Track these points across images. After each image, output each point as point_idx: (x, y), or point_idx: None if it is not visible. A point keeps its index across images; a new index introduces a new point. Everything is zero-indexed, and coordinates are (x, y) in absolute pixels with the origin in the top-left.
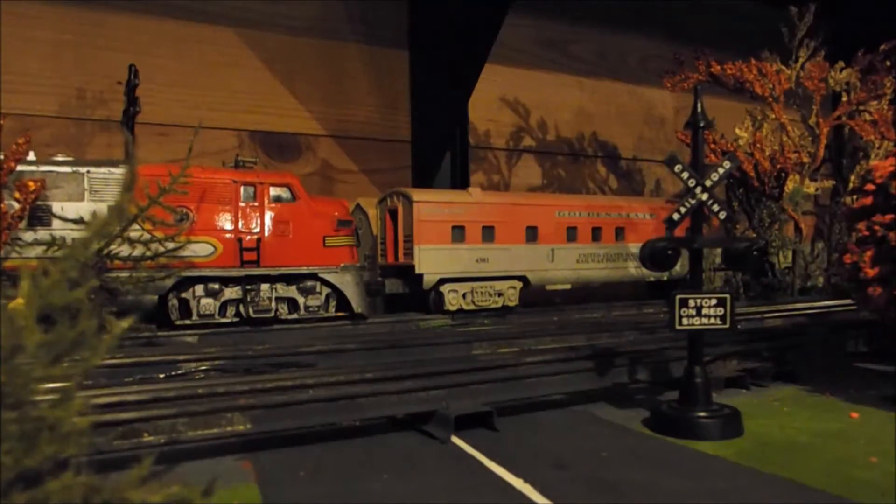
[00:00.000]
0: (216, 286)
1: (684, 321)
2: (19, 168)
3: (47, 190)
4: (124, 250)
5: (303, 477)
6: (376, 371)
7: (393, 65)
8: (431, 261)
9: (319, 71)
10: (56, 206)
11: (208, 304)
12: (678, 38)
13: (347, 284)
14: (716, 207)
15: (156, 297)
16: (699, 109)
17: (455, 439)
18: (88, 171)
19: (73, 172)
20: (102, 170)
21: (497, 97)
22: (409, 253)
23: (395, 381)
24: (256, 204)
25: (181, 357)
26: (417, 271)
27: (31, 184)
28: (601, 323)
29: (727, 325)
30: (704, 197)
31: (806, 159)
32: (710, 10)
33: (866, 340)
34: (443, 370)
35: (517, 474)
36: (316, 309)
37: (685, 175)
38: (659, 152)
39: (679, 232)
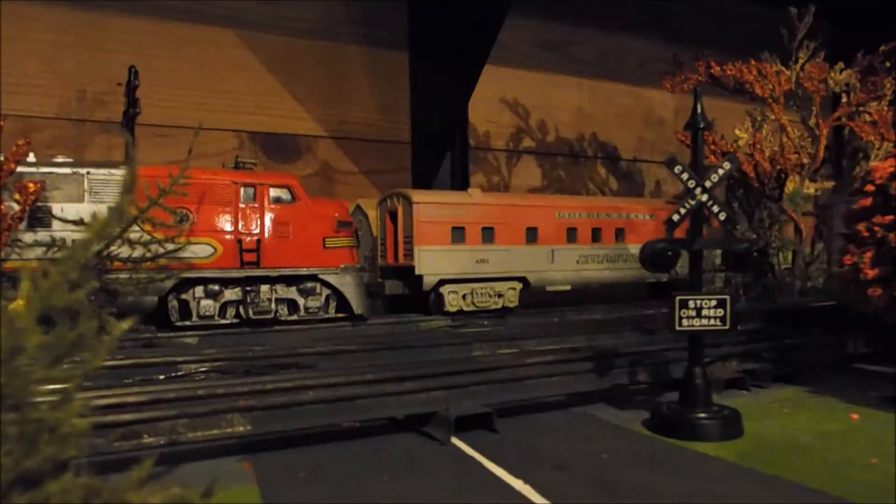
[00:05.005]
0: (216, 287)
1: (684, 322)
2: (19, 169)
3: (47, 191)
4: (124, 252)
5: (303, 478)
6: (376, 372)
7: (393, 66)
8: (431, 262)
9: (319, 72)
10: (56, 208)
11: (208, 305)
12: (678, 40)
13: (347, 286)
14: (715, 208)
15: (156, 299)
16: (699, 111)
17: (455, 440)
18: (88, 173)
19: (73, 174)
20: (102, 171)
21: (497, 98)
22: (410, 254)
23: (396, 382)
24: (256, 205)
25: (180, 359)
26: (417, 272)
27: (30, 185)
28: (602, 322)
29: (727, 327)
30: (704, 198)
31: (806, 160)
32: (710, 12)
33: (866, 342)
34: (443, 371)
35: (517, 475)
36: (316, 310)
37: (685, 176)
38: (659, 153)
39: (679, 233)
